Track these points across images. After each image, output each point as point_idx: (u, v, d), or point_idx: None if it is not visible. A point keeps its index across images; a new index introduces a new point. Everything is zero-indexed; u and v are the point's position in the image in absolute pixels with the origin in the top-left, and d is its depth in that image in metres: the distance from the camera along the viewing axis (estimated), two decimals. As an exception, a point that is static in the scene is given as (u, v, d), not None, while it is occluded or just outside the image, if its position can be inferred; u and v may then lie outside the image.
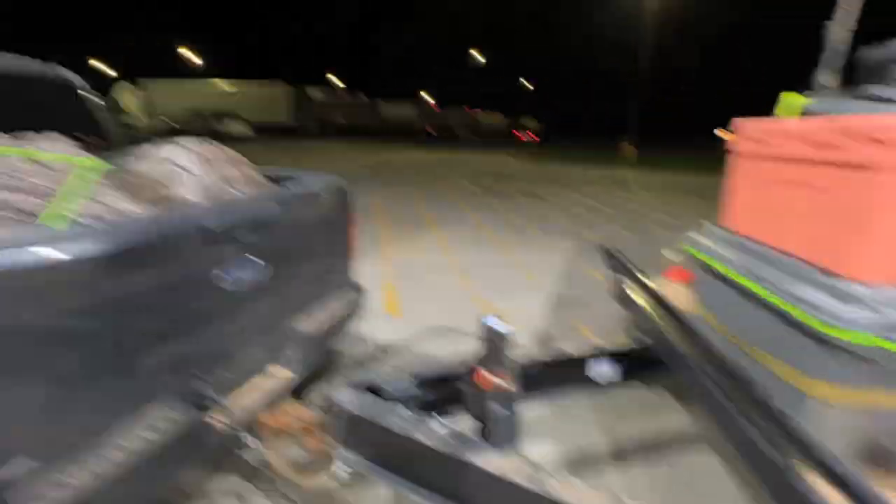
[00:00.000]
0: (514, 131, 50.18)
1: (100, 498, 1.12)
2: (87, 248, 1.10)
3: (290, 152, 15.78)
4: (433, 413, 1.37)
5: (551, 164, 18.83)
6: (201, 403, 1.37)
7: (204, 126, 18.39)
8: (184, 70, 34.18)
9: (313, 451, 1.73)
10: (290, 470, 1.72)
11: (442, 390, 1.57)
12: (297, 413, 1.77)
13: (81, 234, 1.17)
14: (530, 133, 49.57)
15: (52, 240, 1.09)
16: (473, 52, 55.72)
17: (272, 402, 1.71)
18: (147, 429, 1.23)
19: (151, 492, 1.35)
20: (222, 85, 27.60)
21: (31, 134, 1.47)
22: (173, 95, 25.19)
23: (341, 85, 41.07)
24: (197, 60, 37.06)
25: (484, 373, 1.24)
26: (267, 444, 1.78)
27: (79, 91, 2.48)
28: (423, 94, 50.80)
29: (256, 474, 1.79)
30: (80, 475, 1.08)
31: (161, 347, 1.30)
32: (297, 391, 2.14)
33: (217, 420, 1.44)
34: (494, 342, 1.31)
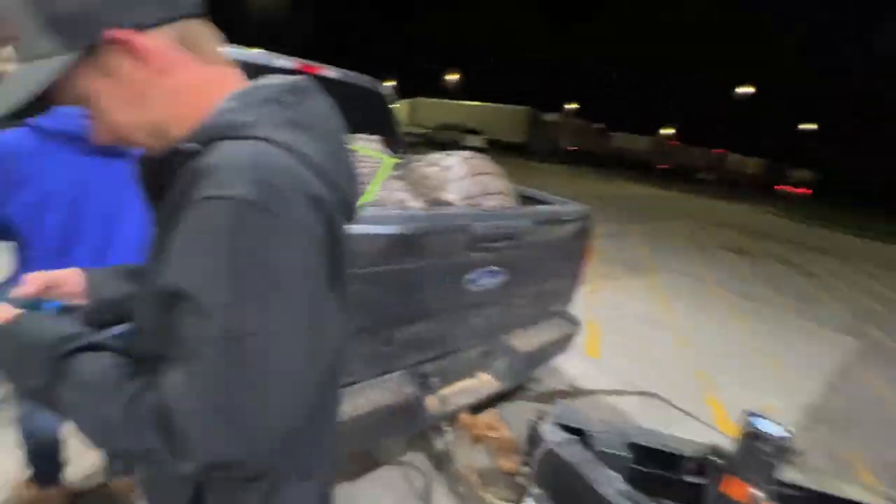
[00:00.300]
0: (778, 186, 41.24)
1: (339, 436, 1.33)
2: (382, 227, 1.33)
3: (520, 169, 16.62)
4: (651, 497, 1.17)
5: (827, 230, 14.72)
6: (425, 384, 1.51)
7: (450, 137, 21.20)
8: (444, 92, 42.21)
9: (502, 470, 1.73)
10: (473, 476, 1.75)
11: (660, 469, 1.33)
12: (495, 426, 1.81)
13: (379, 215, 1.42)
14: (798, 187, 39.91)
15: (365, 218, 1.35)
16: (740, 90, 48.15)
17: (474, 406, 1.78)
18: (385, 390, 1.41)
19: (372, 444, 1.55)
20: (470, 105, 32.39)
21: (362, 134, 1.88)
22: (433, 111, 31.97)
23: (575, 107, 41.38)
24: (456, 83, 44.88)
25: (742, 482, 0.99)
26: (460, 443, 1.86)
27: (387, 103, 3.11)
28: (662, 130, 46.65)
29: (444, 465, 1.89)
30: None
31: (411, 324, 1.48)
32: (492, 403, 2.18)
33: (431, 404, 1.56)
34: (759, 447, 1.03)
